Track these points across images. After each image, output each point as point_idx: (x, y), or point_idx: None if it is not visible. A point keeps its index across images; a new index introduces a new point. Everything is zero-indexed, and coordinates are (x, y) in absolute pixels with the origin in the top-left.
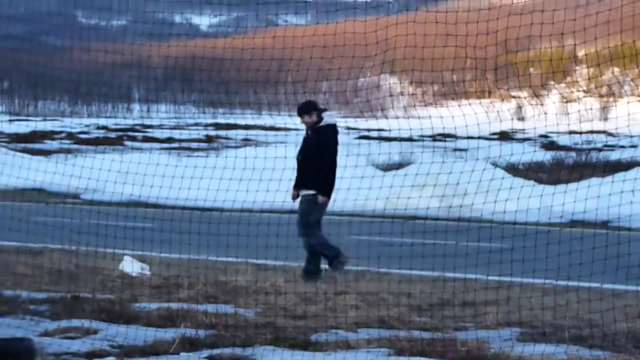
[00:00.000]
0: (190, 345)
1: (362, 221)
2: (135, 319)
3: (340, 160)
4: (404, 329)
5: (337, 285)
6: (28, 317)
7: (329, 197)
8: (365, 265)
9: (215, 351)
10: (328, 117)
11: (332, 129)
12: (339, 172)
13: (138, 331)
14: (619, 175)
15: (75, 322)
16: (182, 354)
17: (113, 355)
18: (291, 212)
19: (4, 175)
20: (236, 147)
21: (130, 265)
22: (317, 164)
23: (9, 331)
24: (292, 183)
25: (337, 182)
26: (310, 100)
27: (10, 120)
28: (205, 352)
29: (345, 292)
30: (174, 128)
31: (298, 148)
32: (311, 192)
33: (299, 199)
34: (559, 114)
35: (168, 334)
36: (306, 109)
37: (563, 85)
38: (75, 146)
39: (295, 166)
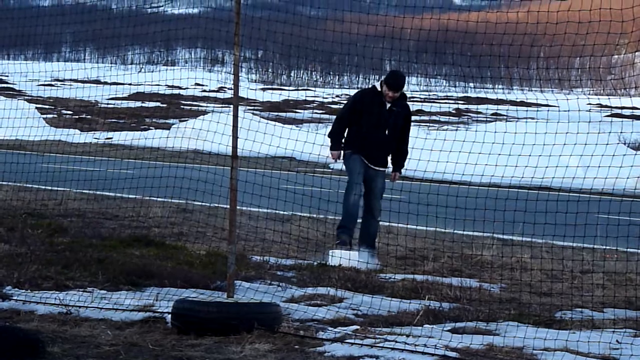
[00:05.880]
0: (434, 317)
1: (612, 200)
2: (380, 289)
3: (590, 138)
4: None
5: (584, 263)
6: (275, 283)
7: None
8: (613, 244)
9: (459, 324)
10: None
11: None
12: (589, 150)
13: (382, 301)
14: None
15: (321, 290)
16: (425, 325)
17: (357, 324)
18: (539, 188)
19: (256, 142)
20: (486, 121)
21: (346, 260)
22: (401, 138)
23: (256, 296)
24: (339, 147)
25: (588, 160)
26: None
27: (263, 89)
28: (449, 325)
29: (591, 270)
30: (424, 101)
31: (365, 118)
32: (386, 168)
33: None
34: None
35: (412, 305)
36: (404, 83)
37: None
38: (327, 116)
39: (358, 135)
